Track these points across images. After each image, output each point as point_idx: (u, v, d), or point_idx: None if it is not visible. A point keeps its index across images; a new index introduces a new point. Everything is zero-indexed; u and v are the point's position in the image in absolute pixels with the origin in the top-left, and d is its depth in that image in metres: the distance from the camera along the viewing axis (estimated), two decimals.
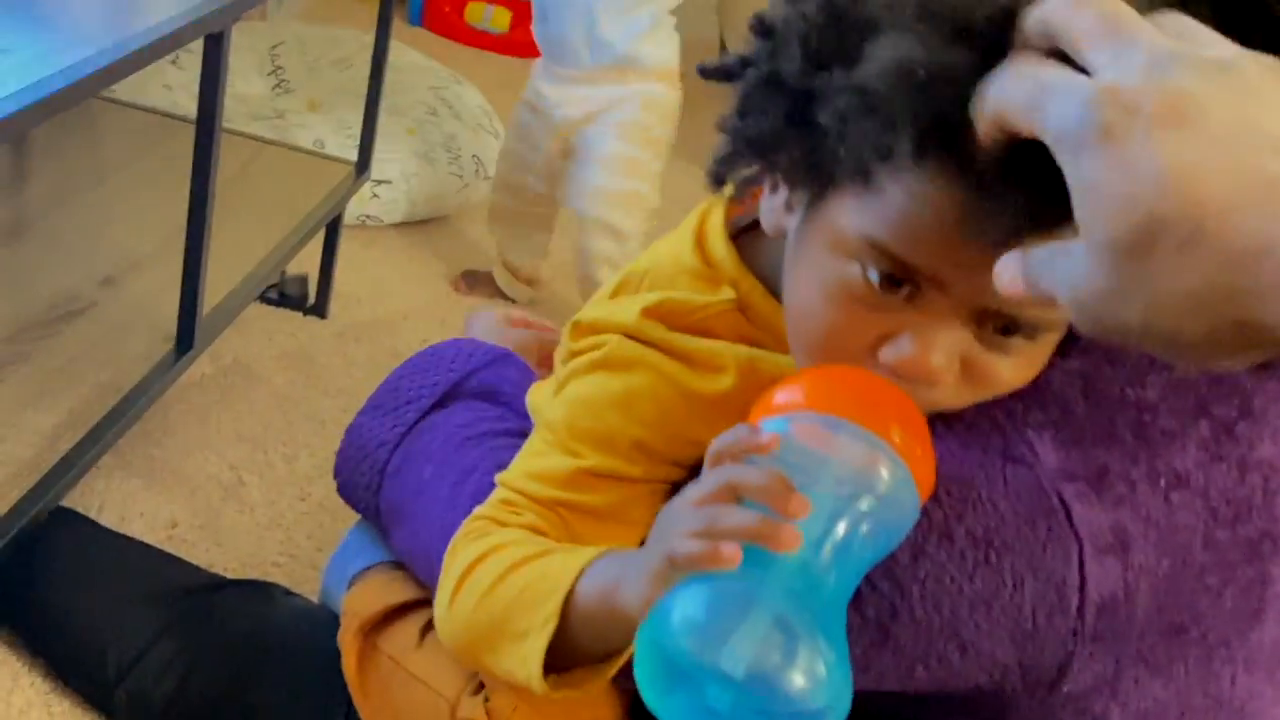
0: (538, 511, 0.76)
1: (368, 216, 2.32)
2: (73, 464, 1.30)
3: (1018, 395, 0.65)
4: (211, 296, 1.53)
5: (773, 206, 0.69)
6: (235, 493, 1.63)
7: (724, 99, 0.66)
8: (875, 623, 0.64)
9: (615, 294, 0.81)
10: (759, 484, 0.57)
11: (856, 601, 0.62)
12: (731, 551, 0.55)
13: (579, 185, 2.01)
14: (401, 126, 2.39)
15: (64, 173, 1.80)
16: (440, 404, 1.04)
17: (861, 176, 0.59)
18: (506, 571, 0.72)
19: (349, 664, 0.99)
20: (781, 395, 0.62)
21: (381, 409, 1.06)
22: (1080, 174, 0.46)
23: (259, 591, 1.29)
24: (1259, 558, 0.64)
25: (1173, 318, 0.45)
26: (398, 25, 3.37)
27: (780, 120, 0.62)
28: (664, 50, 1.98)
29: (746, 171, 0.68)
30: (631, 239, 2.00)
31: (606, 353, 0.77)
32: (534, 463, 0.79)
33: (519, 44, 3.37)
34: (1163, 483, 0.63)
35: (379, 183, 2.29)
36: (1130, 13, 0.48)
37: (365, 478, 1.03)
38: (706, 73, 0.67)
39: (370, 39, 1.94)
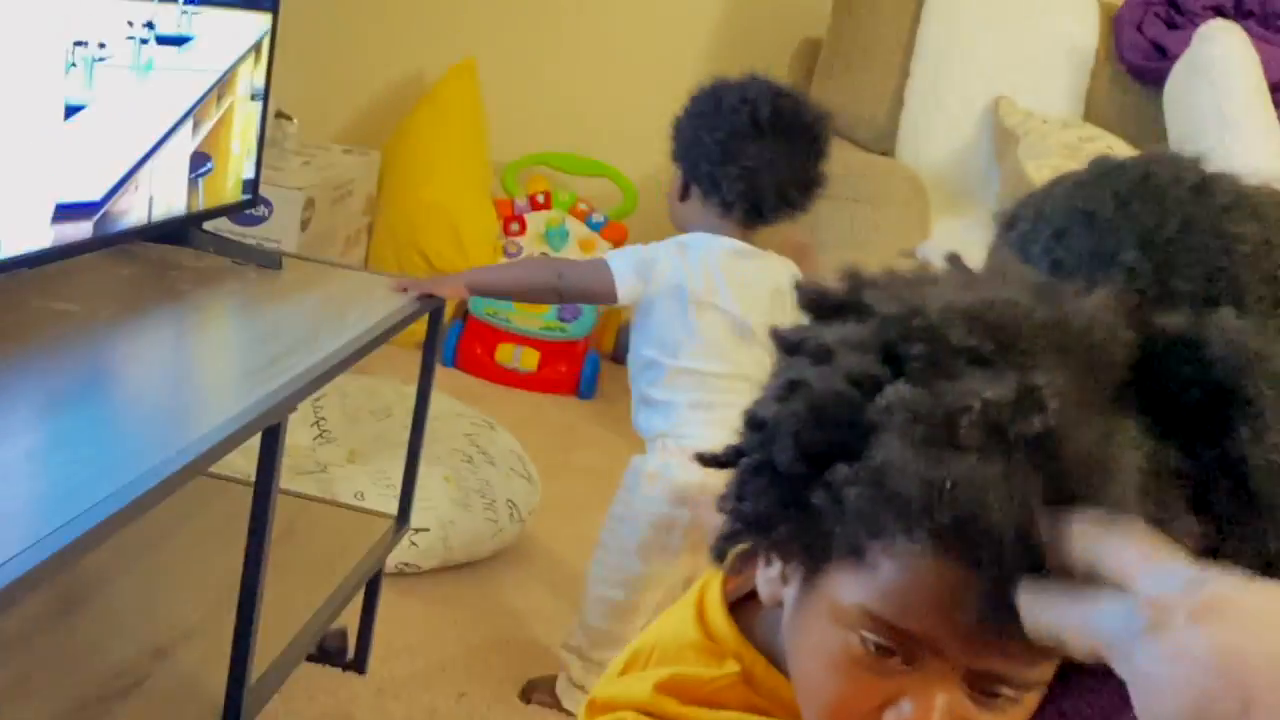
0: None
1: (405, 564, 2.37)
2: None
3: None
4: (259, 664, 1.56)
5: (769, 578, 0.74)
6: None
7: None
8: None
9: (624, 671, 0.85)
10: None
11: None
12: None
13: None
14: (438, 473, 2.46)
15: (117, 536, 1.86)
16: None
17: (854, 552, 0.65)
18: None
19: None
20: None
21: None
22: (1134, 668, 0.53)
23: None
24: None
25: None
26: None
27: (775, 503, 0.68)
28: None
29: (745, 546, 0.73)
30: None
31: None
32: None
33: (547, 381, 3.51)
34: None
35: (417, 530, 2.34)
36: (1166, 542, 0.56)
37: None
38: (707, 462, 0.73)
39: (407, 390, 2.03)
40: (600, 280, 1.98)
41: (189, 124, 1.77)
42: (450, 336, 3.57)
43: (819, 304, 0.72)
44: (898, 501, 0.61)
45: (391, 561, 2.34)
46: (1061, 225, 0.81)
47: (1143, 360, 0.68)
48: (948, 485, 0.60)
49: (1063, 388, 0.63)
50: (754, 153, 1.92)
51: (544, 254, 3.59)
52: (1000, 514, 0.60)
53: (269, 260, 1.94)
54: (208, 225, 1.93)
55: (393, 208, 3.54)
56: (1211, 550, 0.64)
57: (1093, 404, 0.65)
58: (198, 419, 1.35)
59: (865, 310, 0.69)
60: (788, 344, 0.71)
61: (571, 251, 3.59)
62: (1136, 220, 0.78)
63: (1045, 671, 0.67)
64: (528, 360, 3.52)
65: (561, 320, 3.55)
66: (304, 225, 3.15)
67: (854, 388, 0.65)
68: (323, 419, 2.70)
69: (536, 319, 3.54)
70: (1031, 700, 0.68)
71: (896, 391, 0.64)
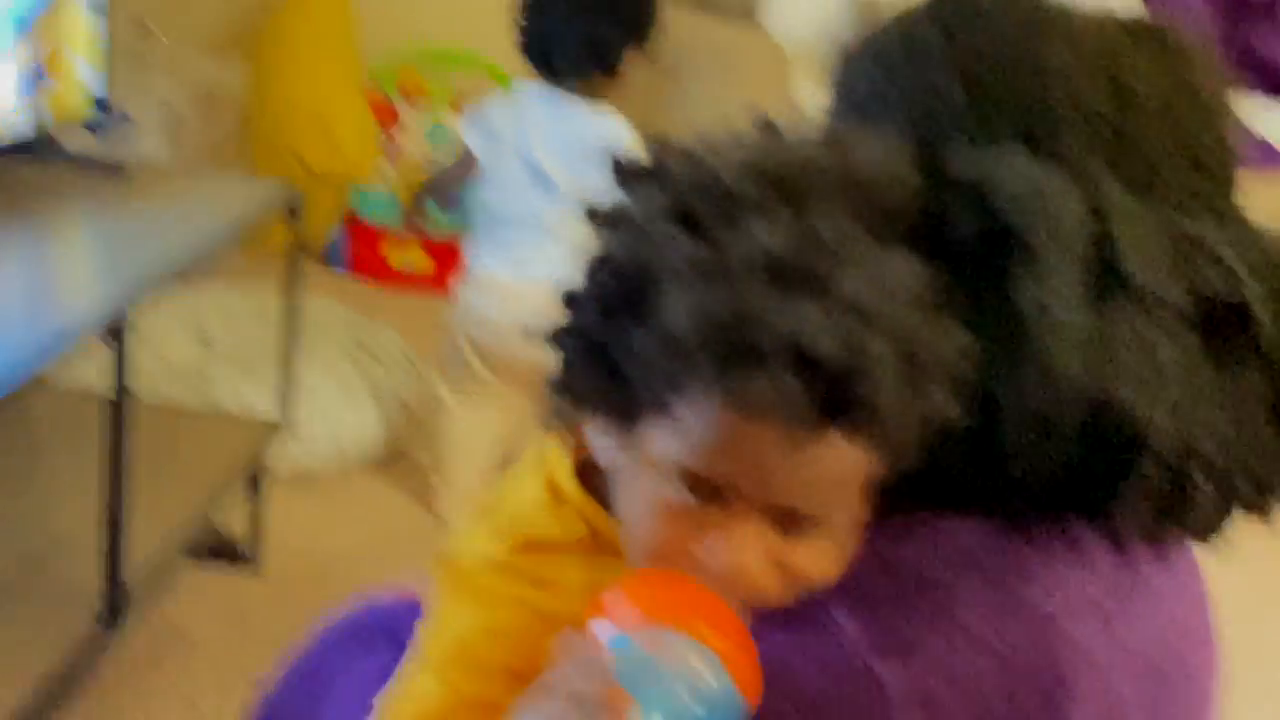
0: None
1: (295, 467, 2.38)
2: None
3: None
4: (135, 564, 1.58)
5: (603, 443, 0.77)
6: None
7: None
8: None
9: (477, 529, 0.88)
10: (597, 697, 0.63)
11: None
12: None
13: None
14: (325, 377, 2.47)
15: None
16: (352, 658, 1.08)
17: (660, 407, 0.68)
18: None
19: None
20: (616, 602, 0.68)
21: (299, 673, 1.10)
22: None
23: None
24: (1054, 705, 0.69)
25: None
26: (321, 272, 3.50)
27: (591, 371, 0.72)
28: None
29: (574, 416, 0.77)
30: None
31: (474, 586, 0.83)
32: (414, 704, 0.83)
33: (442, 281, 3.50)
34: (958, 644, 0.69)
35: (305, 434, 2.35)
36: None
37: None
38: (534, 336, 0.76)
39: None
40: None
41: (22, 37, 1.73)
42: (339, 242, 3.54)
43: (624, 173, 0.75)
44: (683, 351, 0.65)
45: (285, 466, 2.36)
46: (889, 61, 0.79)
47: (930, 204, 0.70)
48: (726, 320, 0.63)
49: (843, 230, 0.67)
50: (532, 6, 2.18)
51: (424, 151, 3.56)
52: (779, 347, 0.63)
53: (113, 170, 1.92)
54: (67, 142, 1.90)
55: (265, 114, 3.48)
56: (982, 390, 0.68)
57: (875, 244, 0.67)
58: (39, 326, 1.35)
59: (666, 176, 0.72)
60: (595, 215, 0.74)
61: (452, 149, 3.55)
62: (960, 54, 0.76)
63: (849, 507, 0.70)
64: (420, 261, 3.51)
65: (450, 219, 3.53)
66: (172, 137, 3.10)
67: (651, 252, 0.68)
68: (205, 331, 2.69)
69: (425, 218, 3.52)
70: (847, 533, 0.71)
71: (678, 247, 0.67)
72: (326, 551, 2.19)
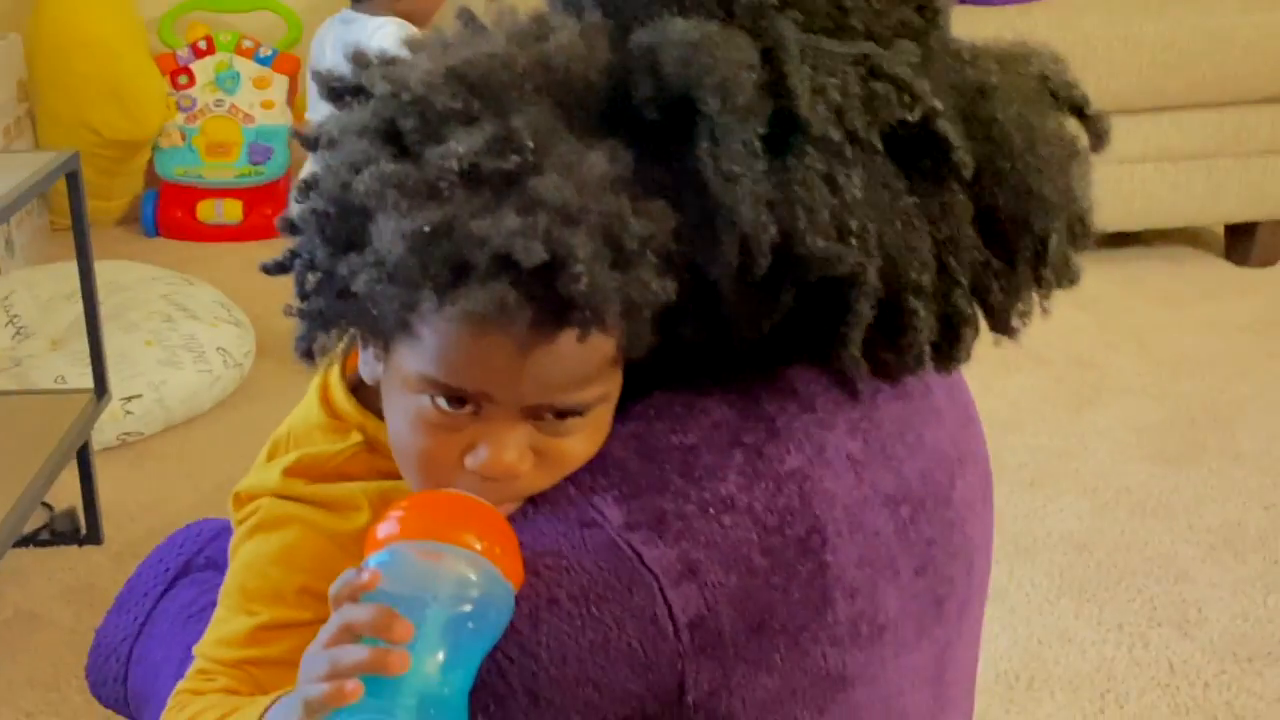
0: (229, 674, 0.84)
1: (127, 435, 2.36)
2: None
3: (585, 468, 0.75)
4: None
5: (367, 360, 0.79)
6: None
7: None
8: (523, 690, 0.71)
9: (266, 460, 0.90)
10: (367, 620, 0.66)
11: (501, 674, 0.70)
12: (353, 687, 0.63)
13: None
14: (138, 339, 2.44)
15: None
16: (172, 586, 1.10)
17: (403, 327, 0.70)
18: None
19: None
20: (383, 530, 0.71)
21: (122, 605, 1.12)
22: None
23: None
24: (811, 551, 0.74)
25: None
26: (135, 240, 3.43)
27: (330, 297, 0.72)
28: None
29: (326, 342, 0.77)
30: None
31: (260, 516, 0.85)
32: (218, 630, 0.86)
33: (256, 229, 3.46)
34: (712, 510, 0.72)
35: (129, 399, 2.33)
36: None
37: (112, 672, 1.09)
38: (270, 270, 0.77)
39: (101, 265, 2.02)
40: None
41: None
42: (147, 206, 3.47)
43: (332, 91, 0.74)
44: (400, 273, 0.66)
45: (113, 435, 2.34)
46: None
47: (620, 84, 0.70)
48: (433, 239, 0.64)
49: (540, 127, 0.67)
50: None
51: (218, 101, 3.49)
52: (486, 257, 0.64)
53: None
54: None
55: (50, 89, 3.38)
56: (684, 254, 0.69)
57: (571, 134, 0.68)
58: None
59: (371, 92, 0.71)
60: (305, 140, 0.74)
61: (246, 91, 3.49)
62: None
63: (597, 392, 0.72)
64: (231, 212, 3.46)
65: (254, 164, 3.48)
66: None
67: (357, 177, 0.68)
68: (16, 316, 2.63)
69: (229, 169, 3.47)
70: (603, 416, 0.74)
71: (382, 169, 0.67)
72: (167, 513, 2.18)
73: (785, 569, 0.73)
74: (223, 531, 1.16)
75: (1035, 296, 0.79)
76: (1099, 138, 0.80)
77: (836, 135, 0.69)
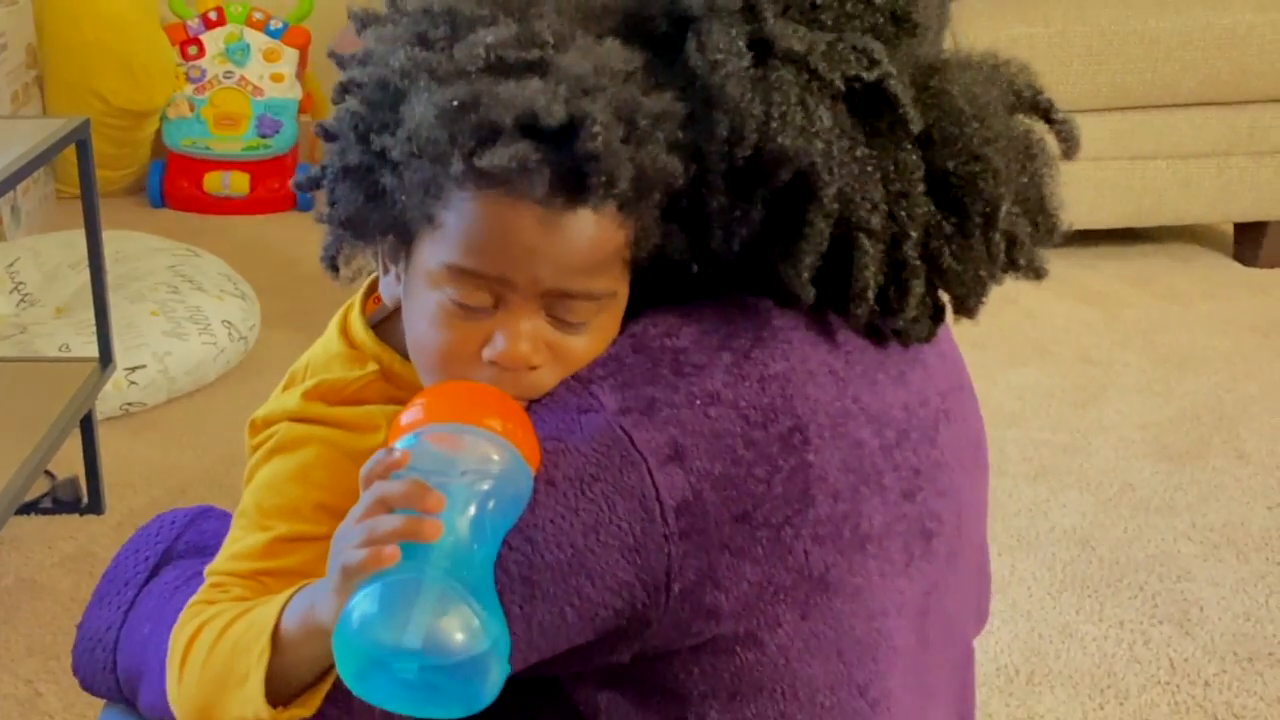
0: (243, 585, 0.85)
1: (129, 405, 2.36)
2: None
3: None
4: None
5: (387, 283, 0.84)
6: (33, 705, 1.65)
7: None
8: (520, 578, 0.76)
9: (283, 390, 0.91)
10: (400, 492, 0.70)
11: (500, 563, 0.74)
12: (391, 551, 0.67)
13: None
14: (144, 310, 2.44)
15: None
16: (154, 575, 1.10)
17: (428, 220, 0.76)
18: (221, 632, 0.81)
19: None
20: (408, 416, 0.75)
21: (104, 598, 1.11)
22: None
23: None
24: (794, 448, 0.78)
25: None
26: (141, 210, 3.43)
27: (359, 198, 0.79)
28: None
29: (350, 253, 0.85)
30: None
31: (278, 439, 0.87)
32: (232, 548, 0.87)
33: (263, 202, 3.45)
34: (699, 402, 0.77)
35: (133, 369, 2.33)
36: None
37: (100, 662, 1.08)
38: (302, 186, 0.84)
39: (108, 235, 2.01)
40: None
41: None
42: (154, 177, 3.47)
43: (362, 19, 0.82)
44: (432, 143, 0.72)
45: (116, 404, 2.33)
46: None
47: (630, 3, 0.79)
48: (463, 107, 0.71)
49: (559, 27, 0.75)
50: None
51: (228, 72, 3.48)
52: (512, 119, 0.71)
53: None
54: None
55: (59, 55, 3.37)
56: (685, 146, 0.75)
57: (589, 36, 0.76)
58: None
59: (401, 14, 0.79)
60: (338, 58, 0.81)
61: (256, 64, 3.48)
62: None
63: (610, 286, 0.78)
64: (238, 184, 3.45)
65: (262, 137, 3.47)
66: None
67: (392, 71, 0.76)
68: (21, 283, 2.63)
69: (237, 141, 3.46)
70: (610, 320, 0.80)
71: (415, 61, 0.75)
72: (169, 484, 2.18)
73: (768, 462, 0.77)
74: (198, 516, 1.15)
75: (991, 276, 0.82)
76: (1068, 143, 0.85)
77: (808, 67, 0.76)
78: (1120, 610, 1.92)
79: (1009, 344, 2.76)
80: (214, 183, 3.45)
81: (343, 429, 0.85)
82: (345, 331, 0.90)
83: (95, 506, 2.08)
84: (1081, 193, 2.96)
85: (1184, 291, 3.07)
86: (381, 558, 0.67)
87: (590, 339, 0.79)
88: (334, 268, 0.85)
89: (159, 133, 3.50)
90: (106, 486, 2.10)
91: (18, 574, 1.93)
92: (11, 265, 2.65)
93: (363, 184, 0.78)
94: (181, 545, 1.11)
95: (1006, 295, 0.88)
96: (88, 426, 2.04)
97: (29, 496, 2.03)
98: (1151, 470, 2.30)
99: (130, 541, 1.15)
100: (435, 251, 0.76)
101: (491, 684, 0.67)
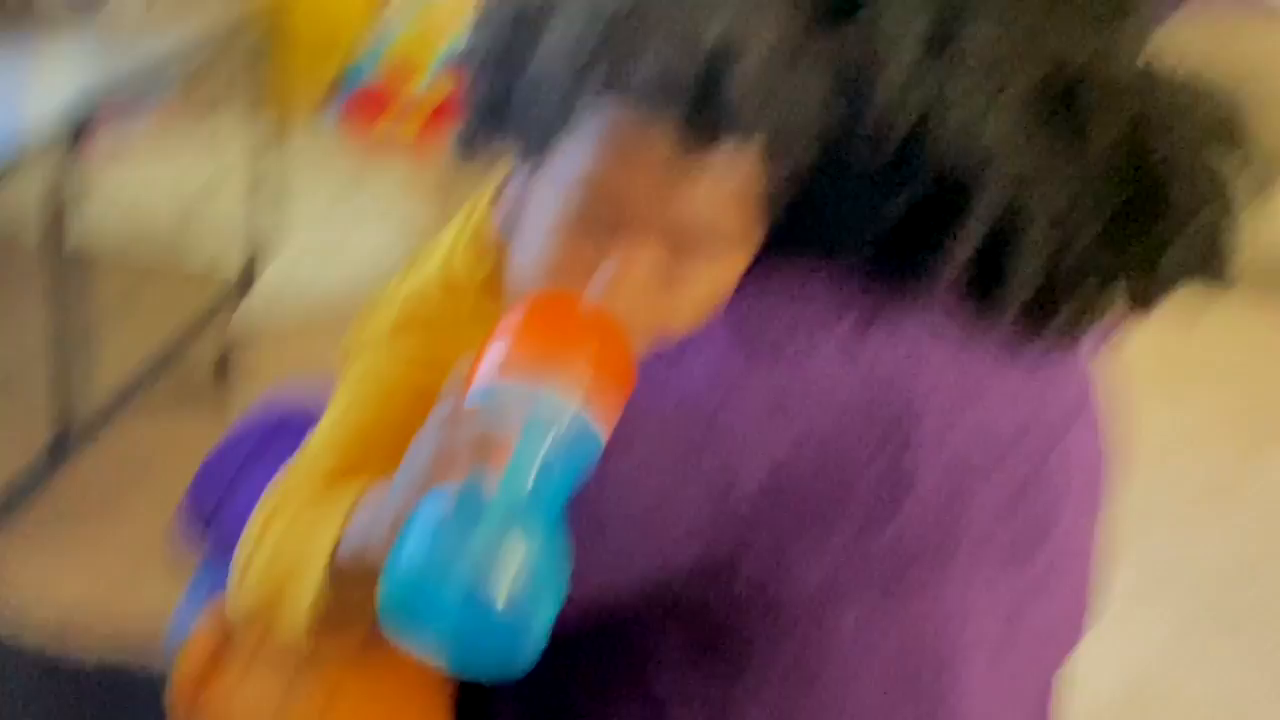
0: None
1: (266, 321, 2.39)
2: None
3: None
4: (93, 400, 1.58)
5: (505, 201, 0.81)
6: None
7: None
8: (590, 527, 0.73)
9: (376, 314, 0.89)
10: (474, 435, 0.67)
11: (570, 510, 0.70)
12: (454, 492, 0.65)
13: None
14: (302, 234, 2.47)
15: None
16: (281, 428, 1.10)
17: (564, 124, 0.73)
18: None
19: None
20: (491, 351, 0.72)
21: (232, 440, 1.12)
22: None
23: None
24: (897, 436, 0.74)
25: None
26: (317, 132, 3.48)
27: (497, 109, 0.76)
28: None
29: (484, 142, 0.81)
30: None
31: (364, 366, 0.86)
32: (299, 469, 0.85)
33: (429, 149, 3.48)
34: (804, 374, 0.73)
35: (274, 289, 2.36)
36: None
37: (213, 493, 1.08)
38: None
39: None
40: None
41: None
42: (335, 105, 3.52)
43: None
44: (580, 50, 0.70)
45: (253, 320, 2.37)
46: None
47: None
48: (618, 16, 0.69)
49: None
50: None
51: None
52: (667, 34, 0.68)
53: None
54: None
55: None
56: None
57: None
58: None
59: None
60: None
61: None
62: None
63: (736, 229, 0.74)
64: (409, 127, 3.49)
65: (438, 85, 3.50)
66: None
67: None
68: (181, 188, 2.69)
69: (417, 85, 3.50)
70: (729, 271, 0.75)
71: None
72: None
73: (868, 446, 0.73)
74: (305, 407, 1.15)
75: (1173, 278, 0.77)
76: (1260, 186, 0.77)
77: (994, 71, 0.71)
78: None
79: (1186, 368, 2.63)
80: (387, 122, 3.49)
81: (427, 368, 0.82)
82: (453, 247, 0.87)
83: (221, 407, 2.10)
84: None
85: None
86: (443, 499, 0.65)
87: (705, 285, 0.75)
88: (466, 151, 0.81)
89: (344, 64, 3.55)
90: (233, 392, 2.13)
91: (133, 456, 1.94)
92: (170, 170, 2.70)
93: (501, 92, 0.76)
94: (297, 424, 1.11)
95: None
96: (224, 336, 2.07)
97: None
98: None
99: (249, 418, 1.15)
100: (566, 158, 0.74)
101: (538, 632, 0.64)
